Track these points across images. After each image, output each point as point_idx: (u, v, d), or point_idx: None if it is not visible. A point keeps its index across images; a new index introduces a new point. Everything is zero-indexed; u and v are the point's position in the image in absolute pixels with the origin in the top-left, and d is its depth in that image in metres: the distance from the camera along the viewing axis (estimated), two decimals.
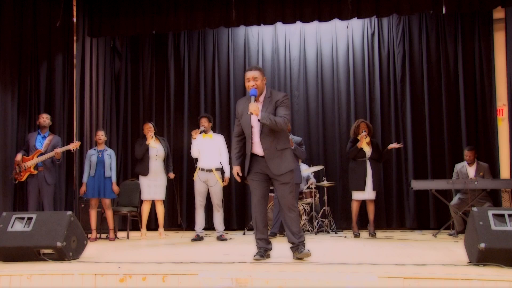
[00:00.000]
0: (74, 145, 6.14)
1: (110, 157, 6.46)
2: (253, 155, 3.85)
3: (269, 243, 3.93)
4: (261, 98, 3.83)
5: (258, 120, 3.71)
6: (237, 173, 3.92)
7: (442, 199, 6.58)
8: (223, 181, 6.19)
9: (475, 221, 3.35)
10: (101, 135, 6.49)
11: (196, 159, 6.25)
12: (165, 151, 6.60)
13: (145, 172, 6.47)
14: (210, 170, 6.10)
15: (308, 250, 3.76)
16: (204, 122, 6.23)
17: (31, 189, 5.92)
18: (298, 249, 3.76)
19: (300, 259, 3.72)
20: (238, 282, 2.93)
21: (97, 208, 6.45)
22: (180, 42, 8.75)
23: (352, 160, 6.48)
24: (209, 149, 6.16)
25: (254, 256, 3.76)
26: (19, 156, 5.95)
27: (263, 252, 3.80)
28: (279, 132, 3.78)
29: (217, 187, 6.11)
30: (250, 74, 3.81)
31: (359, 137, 6.36)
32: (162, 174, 6.58)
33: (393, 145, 6.56)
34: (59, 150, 5.96)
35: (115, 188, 6.42)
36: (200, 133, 6.19)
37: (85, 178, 6.38)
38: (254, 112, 3.67)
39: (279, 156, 3.77)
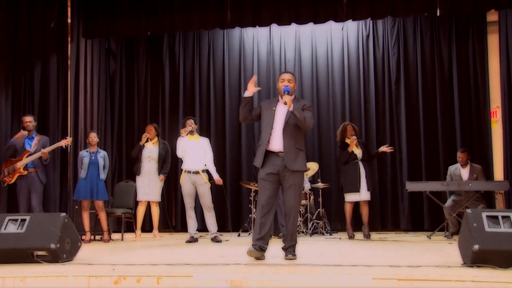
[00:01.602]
0: (65, 142, 6.08)
1: (103, 159, 6.44)
2: (268, 152, 3.95)
3: (266, 243, 3.95)
4: None
5: (291, 111, 3.85)
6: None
7: (436, 201, 6.60)
8: (216, 181, 6.24)
9: (469, 223, 3.36)
10: (94, 137, 6.45)
11: (181, 161, 6.27)
12: (159, 154, 6.59)
13: (138, 172, 6.59)
14: (197, 172, 6.11)
15: (293, 255, 3.91)
16: (191, 123, 6.24)
17: (21, 191, 5.86)
18: (287, 250, 3.97)
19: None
20: (233, 283, 2.93)
21: (91, 210, 6.41)
22: (175, 44, 8.74)
23: (344, 164, 6.47)
24: (194, 151, 6.16)
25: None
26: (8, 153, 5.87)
27: (258, 247, 3.83)
28: (298, 133, 3.98)
29: (205, 187, 6.11)
30: (286, 76, 4.05)
31: (347, 141, 6.36)
32: (156, 175, 6.59)
33: (384, 149, 6.52)
34: (46, 150, 5.90)
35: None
36: (187, 133, 6.19)
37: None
38: (289, 102, 3.81)
39: (296, 154, 3.95)
